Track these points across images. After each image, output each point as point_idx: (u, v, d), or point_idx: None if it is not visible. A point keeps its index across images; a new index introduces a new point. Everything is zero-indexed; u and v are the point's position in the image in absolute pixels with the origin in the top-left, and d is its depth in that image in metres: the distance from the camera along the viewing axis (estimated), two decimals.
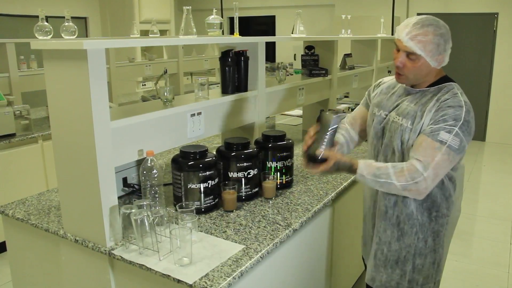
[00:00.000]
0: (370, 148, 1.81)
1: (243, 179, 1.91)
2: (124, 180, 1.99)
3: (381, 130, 1.72)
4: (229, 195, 1.83)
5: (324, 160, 1.57)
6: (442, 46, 1.52)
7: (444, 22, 1.56)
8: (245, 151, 1.92)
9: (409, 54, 1.54)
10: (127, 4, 6.48)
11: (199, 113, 1.96)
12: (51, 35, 3.31)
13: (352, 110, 3.98)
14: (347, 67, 3.83)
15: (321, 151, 1.58)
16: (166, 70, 2.24)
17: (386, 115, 1.71)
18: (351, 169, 1.58)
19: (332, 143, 1.62)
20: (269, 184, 1.97)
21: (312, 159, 1.59)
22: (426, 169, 1.46)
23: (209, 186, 1.78)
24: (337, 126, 1.62)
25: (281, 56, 8.36)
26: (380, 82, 1.87)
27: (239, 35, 2.25)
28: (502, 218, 4.03)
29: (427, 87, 1.62)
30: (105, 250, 1.54)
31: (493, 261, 3.25)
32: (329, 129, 1.60)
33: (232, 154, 1.90)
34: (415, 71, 1.56)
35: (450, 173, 1.61)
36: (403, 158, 1.62)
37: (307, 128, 3.39)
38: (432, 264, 1.69)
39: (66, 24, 3.14)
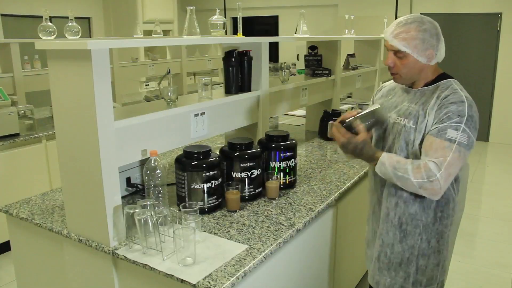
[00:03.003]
0: None
1: (246, 179, 1.91)
2: (128, 180, 1.99)
3: (383, 132, 1.73)
4: (232, 195, 1.83)
5: (355, 134, 1.60)
6: (428, 41, 1.53)
7: (430, 19, 1.57)
8: (249, 151, 1.92)
9: (396, 53, 1.57)
10: (130, 4, 6.49)
11: (202, 113, 1.96)
12: (55, 35, 3.32)
13: None
14: (350, 67, 3.82)
15: (360, 124, 1.60)
16: (169, 70, 2.24)
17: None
18: (373, 157, 1.59)
19: (369, 130, 1.64)
20: (273, 184, 1.97)
21: (347, 128, 1.62)
22: (440, 170, 1.46)
23: (213, 186, 1.79)
24: (383, 122, 1.68)
25: (284, 56, 8.36)
26: (382, 86, 1.89)
27: (243, 35, 2.25)
28: (505, 219, 4.02)
29: (425, 85, 1.62)
30: (108, 250, 1.54)
31: (497, 262, 3.24)
32: (376, 120, 1.65)
33: (236, 154, 1.90)
34: (406, 69, 1.58)
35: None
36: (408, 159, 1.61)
37: (310, 128, 3.39)
38: (436, 266, 1.69)
39: (70, 24, 3.16)
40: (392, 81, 1.81)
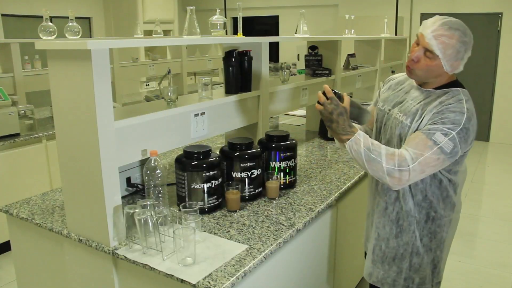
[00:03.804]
0: None
1: (246, 179, 1.91)
2: (128, 180, 1.99)
3: (383, 125, 1.73)
4: (232, 195, 1.83)
5: (339, 100, 1.57)
6: (461, 54, 1.50)
7: (470, 31, 1.53)
8: (249, 151, 1.92)
9: (427, 52, 1.51)
10: (130, 4, 6.49)
11: (202, 113, 1.96)
12: (55, 35, 3.32)
13: None
14: (350, 67, 3.82)
15: (347, 97, 1.59)
16: (169, 70, 2.24)
17: (389, 110, 1.71)
18: (348, 130, 1.54)
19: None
20: (273, 184, 1.97)
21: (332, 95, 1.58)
22: (414, 162, 1.45)
23: (213, 186, 1.79)
24: (360, 122, 1.67)
25: (284, 56, 8.36)
26: (390, 79, 1.86)
27: (243, 35, 2.25)
28: (506, 219, 4.02)
29: (435, 88, 1.60)
30: (108, 250, 1.54)
31: (497, 261, 3.24)
32: (358, 114, 1.64)
33: (236, 154, 1.90)
34: (427, 69, 1.53)
35: (449, 177, 1.61)
36: None
37: (310, 128, 3.39)
38: (429, 264, 1.69)
39: (70, 24, 3.15)
40: (401, 74, 1.80)
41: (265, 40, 2.31)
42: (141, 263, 1.45)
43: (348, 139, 1.54)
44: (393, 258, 1.71)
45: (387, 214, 1.71)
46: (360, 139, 1.53)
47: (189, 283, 1.33)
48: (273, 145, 2.04)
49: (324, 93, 1.58)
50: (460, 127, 1.46)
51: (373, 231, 1.79)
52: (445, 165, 1.50)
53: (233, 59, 2.17)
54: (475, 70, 6.72)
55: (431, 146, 1.45)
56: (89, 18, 6.95)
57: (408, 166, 1.45)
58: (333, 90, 1.59)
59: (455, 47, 1.48)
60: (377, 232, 1.75)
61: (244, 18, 2.30)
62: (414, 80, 1.67)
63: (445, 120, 1.47)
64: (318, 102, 1.59)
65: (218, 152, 1.93)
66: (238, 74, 2.20)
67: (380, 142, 1.72)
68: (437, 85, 1.60)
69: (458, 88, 1.57)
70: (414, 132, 1.55)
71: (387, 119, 1.71)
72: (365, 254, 2.01)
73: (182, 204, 1.65)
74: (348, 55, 3.90)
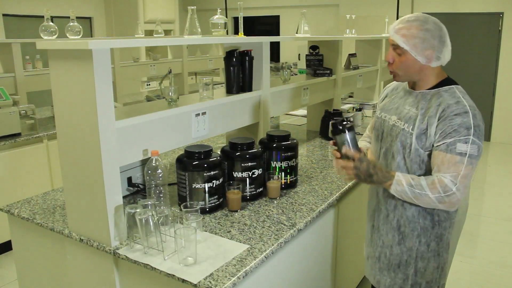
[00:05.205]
0: (372, 150, 1.80)
1: (247, 179, 1.91)
2: (129, 179, 1.99)
3: (381, 133, 1.72)
4: (233, 195, 1.83)
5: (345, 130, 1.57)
6: (428, 42, 1.51)
7: (436, 20, 1.55)
8: (250, 151, 1.92)
9: (395, 48, 1.56)
10: (131, 4, 6.49)
11: (203, 113, 1.96)
12: (56, 35, 3.32)
13: (357, 110, 3.97)
14: (351, 67, 3.82)
15: (349, 150, 1.56)
16: (170, 70, 2.24)
17: (386, 117, 1.70)
18: (388, 175, 1.54)
19: (356, 147, 1.59)
20: (274, 184, 1.97)
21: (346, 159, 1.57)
22: (455, 184, 1.45)
23: (214, 186, 1.79)
24: (353, 135, 1.61)
25: (285, 56, 8.36)
26: (386, 87, 1.87)
27: (244, 35, 2.25)
28: (507, 219, 4.01)
29: (428, 89, 1.59)
30: (110, 250, 1.54)
31: (499, 261, 3.24)
32: (347, 141, 1.59)
33: (237, 154, 1.90)
34: (403, 67, 1.56)
35: None
36: (404, 163, 1.60)
37: (311, 128, 3.39)
38: (436, 269, 1.68)
39: (71, 24, 3.15)
40: (394, 82, 1.81)
41: (266, 40, 2.31)
42: (142, 263, 1.45)
43: (391, 184, 1.54)
44: (398, 265, 1.71)
45: (388, 221, 1.70)
46: (401, 179, 1.52)
47: (190, 283, 1.33)
48: (274, 145, 2.04)
49: (344, 154, 1.57)
50: (473, 128, 1.46)
51: (378, 238, 1.77)
52: (476, 165, 1.51)
53: (234, 59, 2.17)
54: (476, 69, 6.71)
55: (460, 160, 1.45)
56: (90, 18, 6.95)
57: (452, 189, 1.45)
58: (337, 121, 1.58)
59: (417, 36, 1.51)
60: (382, 239, 1.74)
61: (245, 18, 2.30)
62: (406, 84, 1.69)
63: (456, 128, 1.47)
64: (341, 157, 1.58)
65: (219, 152, 1.93)
66: (239, 74, 2.20)
67: (380, 150, 1.72)
68: (429, 86, 1.59)
69: (451, 86, 1.57)
70: (423, 143, 1.54)
71: (385, 126, 1.70)
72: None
73: (183, 204, 1.65)
74: (349, 54, 3.90)
